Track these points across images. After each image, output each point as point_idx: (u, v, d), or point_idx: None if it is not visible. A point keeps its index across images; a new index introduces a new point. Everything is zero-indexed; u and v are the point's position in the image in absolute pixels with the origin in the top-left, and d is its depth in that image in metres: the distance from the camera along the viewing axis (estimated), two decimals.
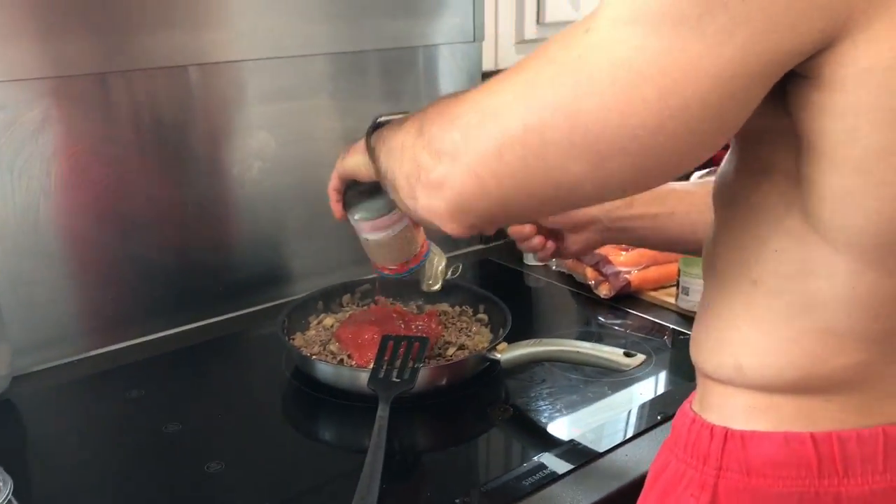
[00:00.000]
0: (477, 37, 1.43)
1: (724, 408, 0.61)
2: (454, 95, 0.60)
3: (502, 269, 1.48)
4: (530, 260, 1.47)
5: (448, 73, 1.42)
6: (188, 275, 1.23)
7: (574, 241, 0.99)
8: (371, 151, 0.76)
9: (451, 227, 0.60)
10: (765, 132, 0.54)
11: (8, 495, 0.77)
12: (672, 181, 0.52)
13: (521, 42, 1.54)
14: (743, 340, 0.58)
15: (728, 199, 0.60)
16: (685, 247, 1.00)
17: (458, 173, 0.56)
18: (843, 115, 0.48)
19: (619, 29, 0.48)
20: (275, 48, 1.22)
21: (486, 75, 1.46)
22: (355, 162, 0.83)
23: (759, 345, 0.57)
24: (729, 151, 0.63)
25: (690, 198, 0.93)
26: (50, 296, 1.11)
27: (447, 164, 0.57)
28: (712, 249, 0.63)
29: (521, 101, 0.52)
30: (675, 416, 0.67)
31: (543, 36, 1.54)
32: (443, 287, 1.01)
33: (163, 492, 0.86)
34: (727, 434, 0.59)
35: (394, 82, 1.37)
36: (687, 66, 0.46)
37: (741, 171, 0.59)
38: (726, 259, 0.60)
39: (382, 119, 0.79)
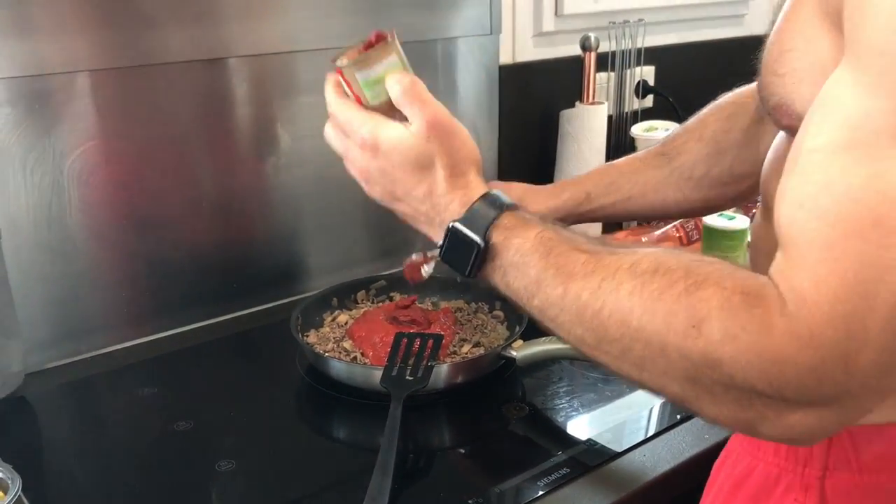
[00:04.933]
0: (494, 30, 1.41)
1: None
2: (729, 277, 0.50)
3: None
4: None
5: (465, 67, 1.40)
6: (202, 271, 1.22)
7: None
8: (490, 274, 0.63)
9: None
10: None
11: (17, 493, 0.76)
12: None
13: (539, 34, 1.52)
14: None
15: None
16: (646, 218, 1.12)
17: (847, 408, 0.47)
18: None
19: None
20: (290, 42, 1.21)
21: (504, 69, 1.45)
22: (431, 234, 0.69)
23: None
24: (780, 139, 0.61)
25: (640, 178, 0.97)
26: (63, 293, 1.10)
27: (821, 406, 0.47)
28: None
29: (872, 299, 0.43)
30: None
31: (561, 28, 1.52)
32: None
33: (173, 490, 0.85)
34: None
35: None
36: None
37: None
38: None
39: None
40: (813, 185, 0.45)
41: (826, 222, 0.44)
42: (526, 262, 0.60)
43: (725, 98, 0.96)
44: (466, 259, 0.63)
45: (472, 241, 0.62)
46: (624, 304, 0.52)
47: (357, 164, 0.70)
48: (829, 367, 0.45)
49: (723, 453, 0.67)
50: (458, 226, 0.64)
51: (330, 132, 0.71)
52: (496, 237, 0.62)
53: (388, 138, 0.66)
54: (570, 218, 0.98)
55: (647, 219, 1.10)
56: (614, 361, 0.55)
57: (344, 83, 0.68)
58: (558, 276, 0.57)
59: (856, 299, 0.43)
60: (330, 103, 0.69)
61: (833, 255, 0.44)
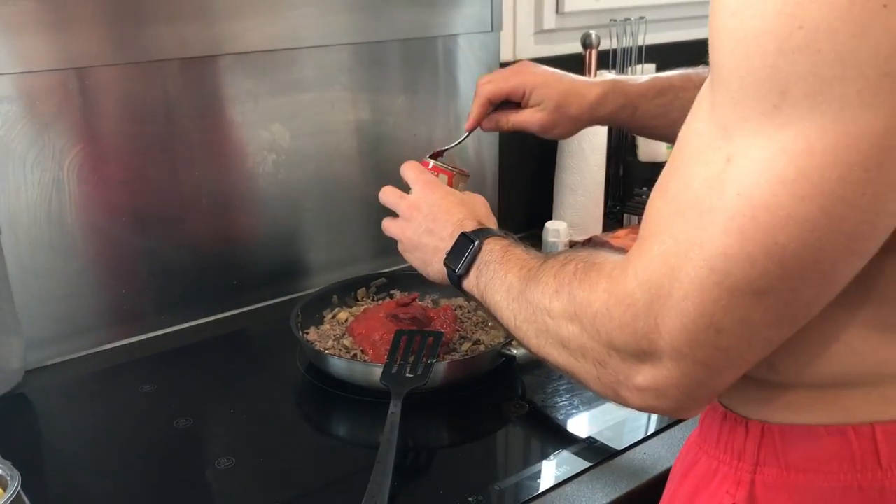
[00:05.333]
0: (495, 27, 1.40)
1: (758, 402, 0.58)
2: (586, 273, 0.57)
3: None
4: None
5: (466, 64, 1.40)
6: (202, 268, 1.22)
7: (553, 122, 1.01)
8: (468, 293, 0.78)
9: (686, 416, 0.58)
10: None
11: (16, 489, 0.76)
12: None
13: (540, 32, 1.51)
14: None
15: None
16: (667, 141, 1.06)
17: (673, 371, 0.51)
18: None
19: (767, 141, 0.43)
20: (291, 39, 1.21)
21: (505, 66, 1.45)
22: (441, 278, 0.84)
23: (794, 344, 0.53)
24: None
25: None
26: (63, 289, 1.10)
27: (652, 365, 0.52)
28: None
29: (708, 273, 0.46)
30: (703, 412, 0.65)
31: (562, 26, 1.52)
32: None
33: (173, 487, 0.85)
34: (763, 429, 0.57)
35: (411, 73, 1.35)
36: (879, 143, 0.41)
37: None
38: None
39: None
40: (668, 170, 0.51)
41: (665, 202, 0.50)
42: (490, 260, 0.76)
43: None
44: (462, 255, 0.79)
45: (470, 240, 0.79)
46: (528, 284, 0.66)
47: (410, 200, 0.88)
48: (640, 324, 0.51)
49: (683, 445, 0.68)
50: (466, 232, 0.81)
51: (389, 188, 0.91)
52: (485, 243, 0.78)
53: (447, 186, 0.91)
54: (606, 117, 1.01)
55: (667, 141, 1.05)
56: (525, 336, 0.67)
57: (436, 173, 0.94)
58: (504, 267, 0.73)
59: (663, 268, 0.49)
60: (409, 165, 0.91)
61: (659, 229, 0.50)
